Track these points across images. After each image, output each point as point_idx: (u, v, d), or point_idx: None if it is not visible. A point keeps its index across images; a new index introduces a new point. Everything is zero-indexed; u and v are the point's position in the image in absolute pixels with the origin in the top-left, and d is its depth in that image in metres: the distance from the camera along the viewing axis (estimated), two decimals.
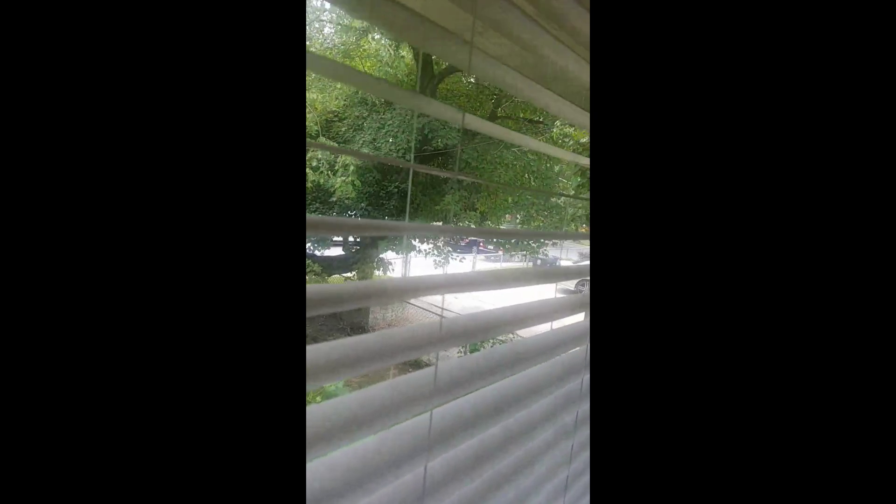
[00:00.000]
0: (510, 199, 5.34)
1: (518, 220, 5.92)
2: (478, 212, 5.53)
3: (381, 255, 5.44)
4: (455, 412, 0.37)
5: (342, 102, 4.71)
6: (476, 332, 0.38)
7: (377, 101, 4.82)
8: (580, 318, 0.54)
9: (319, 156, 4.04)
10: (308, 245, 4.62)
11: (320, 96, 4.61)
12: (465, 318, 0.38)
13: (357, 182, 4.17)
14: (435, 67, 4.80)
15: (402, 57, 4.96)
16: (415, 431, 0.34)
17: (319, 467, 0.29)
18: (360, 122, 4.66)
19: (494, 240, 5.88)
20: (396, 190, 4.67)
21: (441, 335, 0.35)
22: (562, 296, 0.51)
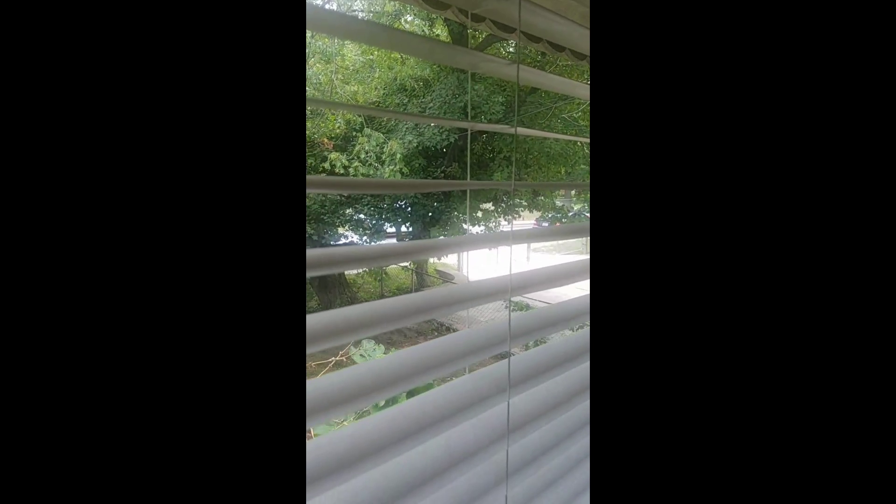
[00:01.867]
0: (563, 171, 5.12)
1: (573, 194, 5.69)
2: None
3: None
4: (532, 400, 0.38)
5: (382, 91, 4.75)
6: (543, 326, 0.39)
7: (416, 86, 4.80)
8: None
9: (367, 148, 4.13)
10: (364, 238, 4.78)
11: (360, 88, 4.68)
12: (532, 316, 0.40)
13: (405, 169, 4.21)
14: (471, 42, 4.66)
15: (437, 35, 4.86)
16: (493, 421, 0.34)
17: (414, 455, 0.31)
18: (401, 109, 4.68)
19: (549, 214, 5.71)
20: (443, 174, 4.65)
21: (512, 333, 0.36)
22: None
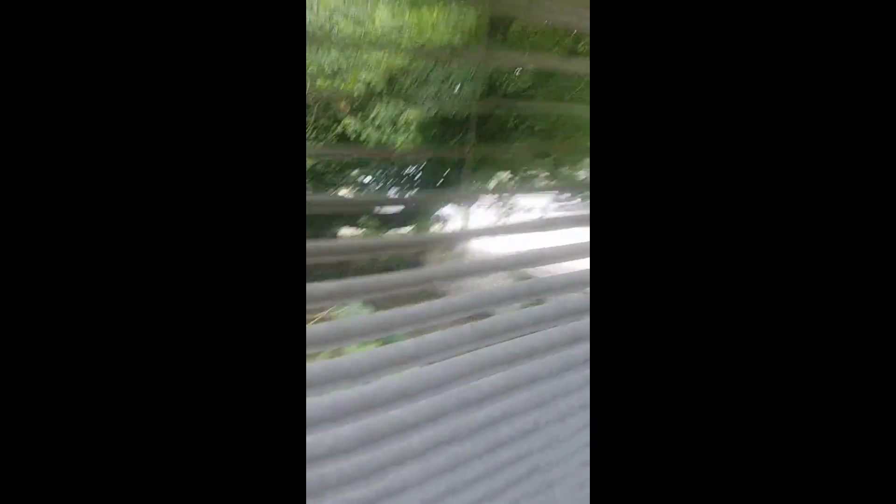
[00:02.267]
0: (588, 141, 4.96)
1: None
2: (551, 157, 5.26)
3: (438, 212, 5.59)
4: None
5: (408, 57, 4.70)
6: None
7: (442, 53, 4.70)
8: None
9: (382, 114, 4.20)
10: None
11: (385, 53, 4.63)
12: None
13: (419, 139, 4.29)
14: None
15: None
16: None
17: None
18: (424, 76, 4.67)
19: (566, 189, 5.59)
20: (459, 143, 4.71)
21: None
22: None
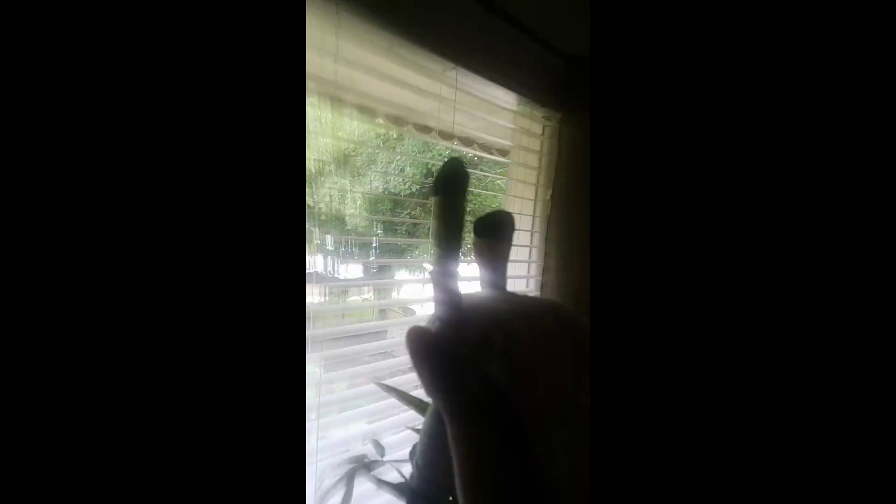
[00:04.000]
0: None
1: None
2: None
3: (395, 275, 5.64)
4: None
5: (356, 141, 5.07)
6: None
7: (392, 136, 5.19)
8: None
9: (333, 192, 4.34)
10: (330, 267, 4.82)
11: (331, 140, 4.97)
12: None
13: (367, 212, 4.45)
14: None
15: None
16: None
17: None
18: (373, 156, 5.02)
19: None
20: (409, 216, 4.96)
21: None
22: None
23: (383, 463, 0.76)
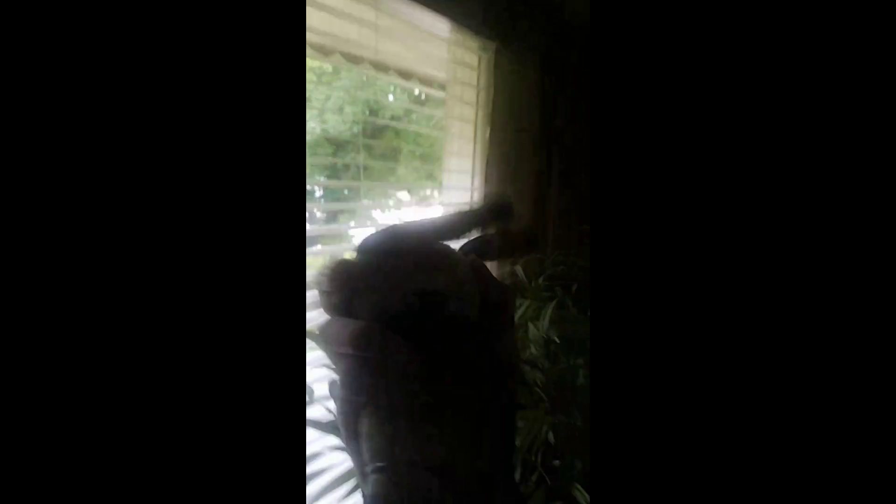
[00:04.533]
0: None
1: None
2: (437, 180, 5.56)
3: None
4: None
5: None
6: None
7: (326, 70, 4.72)
8: None
9: None
10: None
11: None
12: None
13: (308, 157, 4.14)
14: None
15: None
16: None
17: None
18: (307, 95, 4.57)
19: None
20: (352, 161, 4.68)
21: None
22: None
23: (311, 403, 0.78)
